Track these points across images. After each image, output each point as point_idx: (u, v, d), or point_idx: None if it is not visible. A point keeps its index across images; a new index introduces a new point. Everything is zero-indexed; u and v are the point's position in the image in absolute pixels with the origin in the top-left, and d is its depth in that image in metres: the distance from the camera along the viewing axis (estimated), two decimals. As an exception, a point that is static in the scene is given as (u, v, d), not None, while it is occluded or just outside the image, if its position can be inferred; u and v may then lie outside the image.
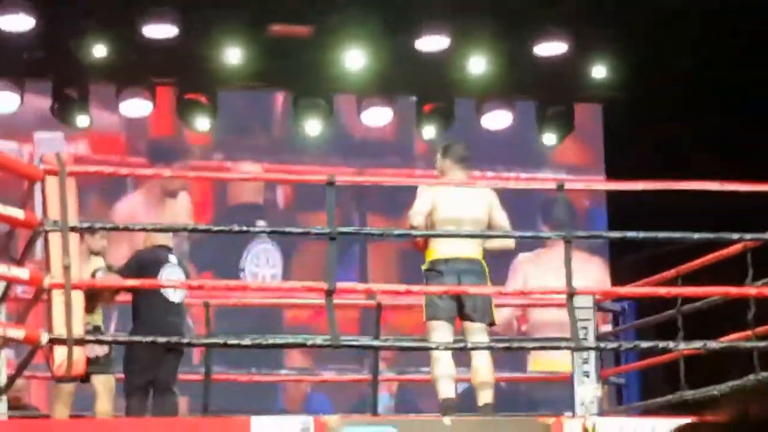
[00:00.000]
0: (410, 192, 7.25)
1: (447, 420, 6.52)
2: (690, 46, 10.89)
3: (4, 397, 6.90)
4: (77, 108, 11.13)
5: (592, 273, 11.21)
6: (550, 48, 11.32)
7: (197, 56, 11.10)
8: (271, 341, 6.80)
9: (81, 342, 6.12)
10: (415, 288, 6.94)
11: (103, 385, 7.96)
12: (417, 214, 7.01)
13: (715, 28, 10.64)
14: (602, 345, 7.70)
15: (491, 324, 7.09)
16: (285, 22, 11.27)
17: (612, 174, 11.68)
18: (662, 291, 7.57)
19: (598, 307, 8.38)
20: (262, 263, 11.77)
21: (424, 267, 7.08)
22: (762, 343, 7.07)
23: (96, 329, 7.95)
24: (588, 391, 7.20)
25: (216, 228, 7.48)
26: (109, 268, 8.05)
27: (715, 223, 7.02)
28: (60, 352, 6.02)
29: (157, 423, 7.05)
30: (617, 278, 11.19)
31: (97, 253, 8.12)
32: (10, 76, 10.92)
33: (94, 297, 7.85)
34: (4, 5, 10.47)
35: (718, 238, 7.11)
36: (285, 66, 11.34)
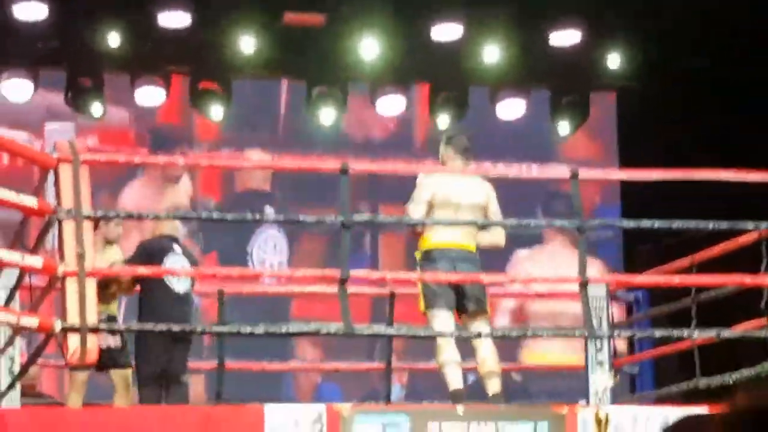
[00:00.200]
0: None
1: (460, 409, 6.52)
2: (707, 34, 10.85)
3: (18, 385, 6.92)
4: (91, 97, 11.14)
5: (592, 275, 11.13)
6: (565, 37, 11.29)
7: (211, 45, 11.10)
8: (284, 329, 6.80)
9: (94, 330, 6.13)
10: (428, 276, 6.94)
11: (121, 378, 7.98)
12: (416, 207, 7.04)
13: (734, 15, 10.61)
14: (616, 333, 7.68)
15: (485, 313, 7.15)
16: (298, 11, 11.26)
17: (626, 163, 11.65)
18: (676, 280, 7.55)
19: (612, 296, 8.36)
20: (269, 250, 11.78)
21: (418, 255, 7.09)
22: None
23: (111, 319, 7.96)
24: (601, 380, 7.18)
25: (230, 217, 7.50)
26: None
27: (729, 214, 7.00)
28: (73, 341, 6.03)
29: (170, 411, 7.06)
30: (631, 268, 11.17)
31: (112, 242, 8.13)
32: (24, 65, 10.93)
33: (108, 286, 7.87)
34: (18, -6, 10.49)
35: (732, 226, 7.09)
36: (298, 55, 11.33)
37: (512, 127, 11.87)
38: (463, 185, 7.13)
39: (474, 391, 7.57)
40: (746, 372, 7.08)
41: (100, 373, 7.96)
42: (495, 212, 7.16)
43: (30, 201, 6.15)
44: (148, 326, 7.31)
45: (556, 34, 11.28)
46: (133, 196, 11.58)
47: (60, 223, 6.14)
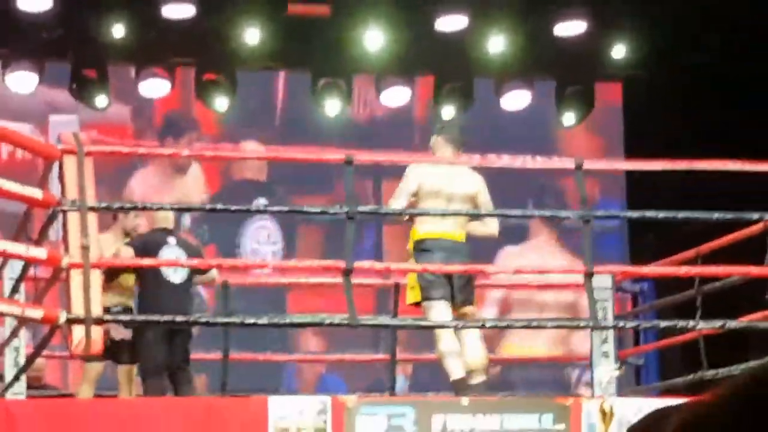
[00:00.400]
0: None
1: (465, 400, 6.51)
2: (712, 25, 10.82)
3: (24, 377, 6.93)
4: (96, 88, 11.13)
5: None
6: (570, 27, 11.26)
7: (216, 36, 11.08)
8: (288, 320, 6.80)
9: (99, 321, 6.13)
10: (432, 267, 6.93)
11: (124, 371, 7.99)
12: (399, 198, 7.05)
13: (741, 5, 10.58)
14: (621, 324, 7.68)
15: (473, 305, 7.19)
16: (303, 2, 11.24)
17: (631, 154, 11.62)
18: (682, 271, 7.54)
19: (617, 288, 8.34)
20: (262, 240, 11.78)
21: (410, 246, 7.09)
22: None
23: (127, 310, 7.93)
24: (606, 371, 7.17)
25: (234, 208, 7.49)
26: None
27: (735, 206, 6.99)
28: (78, 332, 6.03)
29: (175, 402, 7.06)
30: (637, 260, 11.15)
31: (129, 233, 8.11)
32: (29, 56, 10.92)
33: (116, 275, 7.87)
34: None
35: (737, 218, 7.07)
36: (303, 46, 11.31)
37: (517, 118, 11.84)
38: (453, 175, 7.14)
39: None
40: (753, 363, 7.07)
41: (117, 364, 7.99)
42: (486, 202, 7.17)
43: (35, 192, 6.15)
44: (154, 318, 7.31)
45: (561, 24, 11.25)
46: (141, 185, 11.57)
47: (64, 214, 6.14)
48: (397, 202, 7.06)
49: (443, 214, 7.00)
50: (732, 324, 6.94)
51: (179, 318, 6.88)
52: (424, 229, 7.05)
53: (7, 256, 6.53)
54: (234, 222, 11.61)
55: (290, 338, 11.41)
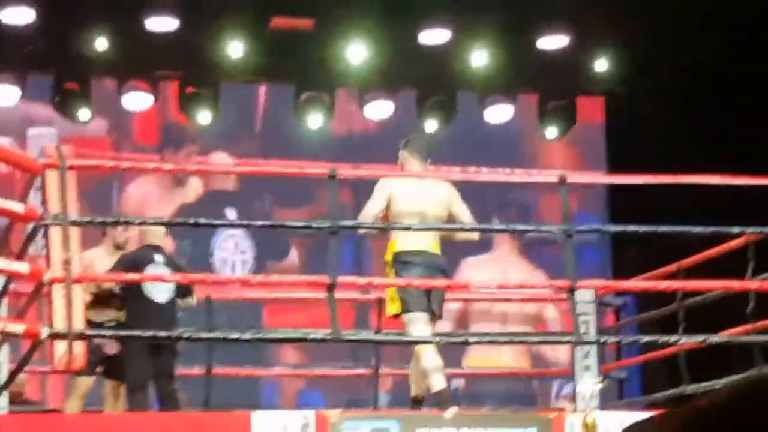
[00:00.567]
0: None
1: (449, 413, 6.51)
2: (693, 38, 10.86)
3: (5, 392, 6.90)
4: (78, 102, 11.12)
5: (535, 277, 11.06)
6: (553, 41, 11.30)
7: (199, 49, 11.08)
8: (271, 336, 6.79)
9: (81, 337, 6.11)
10: (416, 281, 6.93)
11: (112, 390, 7.97)
12: (368, 216, 7.06)
13: (718, 20, 10.62)
14: (603, 339, 7.69)
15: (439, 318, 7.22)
16: (287, 15, 11.25)
17: (613, 168, 11.65)
18: (663, 285, 7.56)
19: (600, 302, 8.36)
20: (230, 249, 11.75)
21: (388, 258, 7.08)
22: (763, 337, 7.06)
23: (121, 326, 7.86)
24: (589, 385, 7.19)
25: (216, 222, 7.47)
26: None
27: (717, 220, 7.00)
28: (60, 347, 6.01)
29: (158, 417, 7.05)
30: (619, 273, 11.17)
31: (120, 247, 8.06)
32: (11, 69, 10.90)
33: (105, 294, 7.84)
34: (5, -2, 10.45)
35: (718, 231, 7.09)
36: (286, 59, 11.33)
37: (500, 131, 11.86)
38: (424, 187, 7.17)
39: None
40: (734, 377, 7.08)
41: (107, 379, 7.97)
42: (462, 211, 7.21)
43: (16, 206, 6.13)
44: (135, 333, 7.28)
45: (544, 38, 11.29)
46: (138, 195, 11.52)
47: (47, 228, 6.12)
48: (368, 215, 7.08)
49: (429, 229, 7.01)
50: (714, 338, 6.95)
51: (162, 333, 6.86)
52: (402, 242, 7.05)
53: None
54: (208, 233, 11.59)
55: (267, 352, 11.37)
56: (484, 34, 11.27)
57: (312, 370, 10.99)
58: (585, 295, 7.22)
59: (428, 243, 7.06)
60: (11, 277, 6.40)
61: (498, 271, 10.10)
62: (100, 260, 7.86)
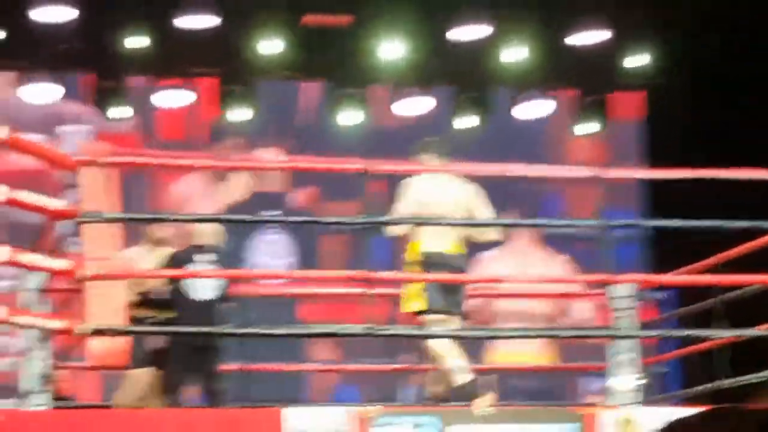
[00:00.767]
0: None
1: (487, 408, 6.50)
2: (732, 31, 10.79)
3: (48, 388, 6.93)
4: (114, 99, 11.16)
5: (556, 269, 10.90)
6: (590, 37, 11.25)
7: (236, 47, 11.10)
8: (307, 331, 6.79)
9: (120, 333, 6.13)
10: (449, 276, 6.92)
11: (151, 383, 7.96)
12: (393, 229, 7.10)
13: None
14: (641, 333, 7.64)
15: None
16: (323, 12, 11.26)
17: (651, 162, 11.57)
18: (703, 279, 7.51)
19: (639, 296, 8.30)
20: (274, 254, 11.70)
21: (413, 259, 7.07)
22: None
23: (166, 323, 7.78)
24: (628, 380, 7.14)
25: (249, 218, 7.47)
26: None
27: (751, 216, 6.96)
28: (98, 343, 6.04)
29: (188, 413, 7.03)
30: (660, 267, 11.09)
31: (160, 243, 7.97)
32: (48, 67, 10.95)
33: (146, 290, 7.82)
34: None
35: (754, 226, 7.05)
36: (322, 56, 11.33)
37: (536, 127, 11.83)
38: (442, 188, 7.19)
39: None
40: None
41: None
42: (482, 213, 7.24)
43: (55, 204, 6.16)
44: (171, 329, 7.29)
45: (581, 33, 11.25)
46: (183, 193, 11.45)
47: (83, 225, 6.15)
48: (396, 230, 7.13)
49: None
50: (753, 332, 6.90)
51: (196, 329, 6.85)
52: (428, 244, 7.04)
53: (28, 268, 6.54)
54: (236, 234, 11.51)
55: (303, 349, 11.35)
56: (520, 30, 11.24)
57: (346, 365, 10.98)
58: (623, 290, 7.16)
59: (452, 245, 7.06)
60: (50, 273, 6.43)
61: (517, 263, 9.98)
62: (141, 258, 7.83)
